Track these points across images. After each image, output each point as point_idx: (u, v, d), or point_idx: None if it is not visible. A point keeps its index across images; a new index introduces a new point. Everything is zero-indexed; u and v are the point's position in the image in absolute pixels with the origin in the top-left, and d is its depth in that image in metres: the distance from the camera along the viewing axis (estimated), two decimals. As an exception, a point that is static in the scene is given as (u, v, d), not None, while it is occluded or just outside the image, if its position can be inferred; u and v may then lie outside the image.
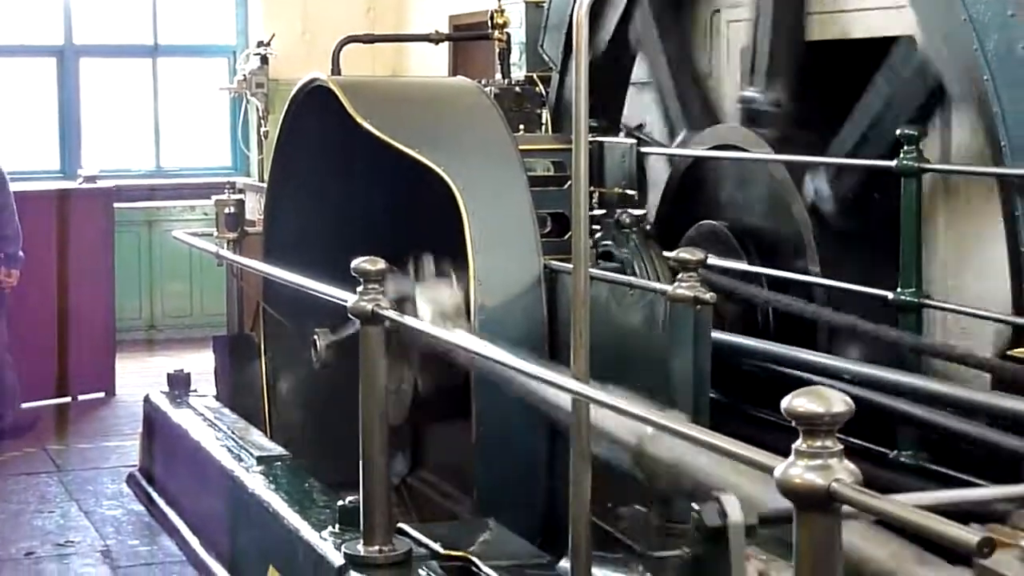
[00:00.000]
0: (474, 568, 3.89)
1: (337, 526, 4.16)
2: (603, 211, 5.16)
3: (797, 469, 1.70)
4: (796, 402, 1.71)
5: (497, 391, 4.20)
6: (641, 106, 6.08)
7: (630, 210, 4.98)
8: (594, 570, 2.95)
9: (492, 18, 6.39)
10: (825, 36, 5.24)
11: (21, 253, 7.33)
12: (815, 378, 3.84)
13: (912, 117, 4.42)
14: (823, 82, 5.17)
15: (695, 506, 2.50)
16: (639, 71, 6.03)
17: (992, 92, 3.92)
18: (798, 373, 4.18)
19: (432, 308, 4.48)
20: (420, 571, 3.80)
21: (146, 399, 6.37)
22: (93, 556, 5.99)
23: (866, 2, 4.96)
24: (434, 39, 7.75)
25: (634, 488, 3.77)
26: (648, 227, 4.98)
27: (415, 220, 5.21)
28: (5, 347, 7.37)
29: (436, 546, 3.97)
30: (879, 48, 4.77)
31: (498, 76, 6.30)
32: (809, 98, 5.15)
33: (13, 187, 7.54)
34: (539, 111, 5.91)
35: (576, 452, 2.83)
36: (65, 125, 10.40)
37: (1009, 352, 3.85)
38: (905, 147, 4.14)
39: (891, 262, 4.31)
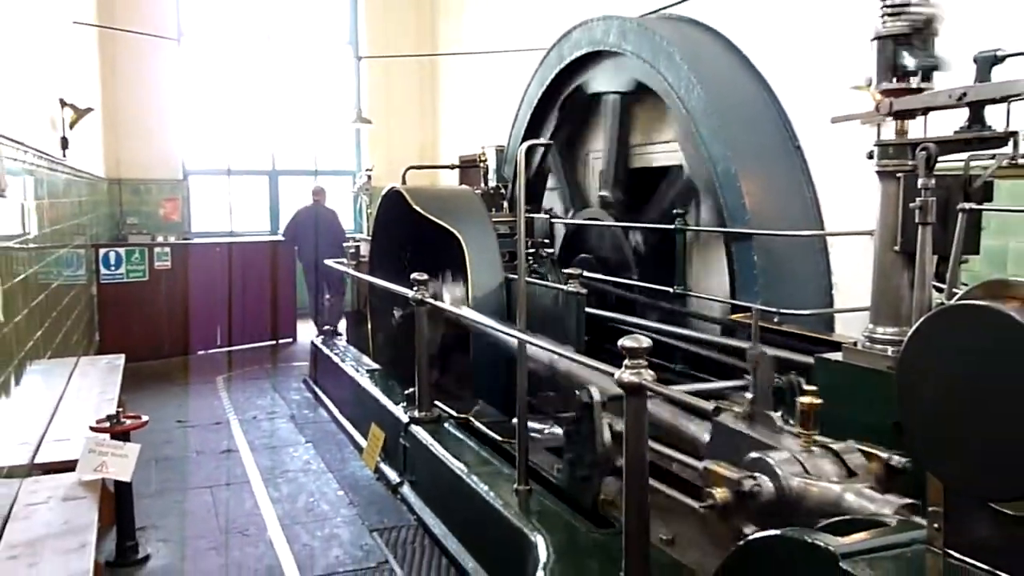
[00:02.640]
0: (472, 423, 5.64)
1: (404, 403, 5.97)
2: (533, 250, 6.84)
3: (625, 374, 2.89)
4: (624, 341, 2.92)
5: (482, 338, 5.91)
6: (551, 199, 7.87)
7: (546, 250, 6.89)
8: (529, 423, 4.40)
9: (479, 156, 8.64)
10: (638, 165, 6.98)
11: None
12: (633, 329, 4.73)
13: (682, 204, 6.27)
14: (638, 187, 6.88)
15: (577, 392, 4.18)
16: (550, 183, 7.94)
17: (720, 192, 5.69)
18: (625, 327, 5.44)
19: (450, 297, 6.17)
20: (445, 425, 5.56)
21: (313, 342, 9.31)
22: (286, 417, 7.84)
23: (658, 147, 6.74)
24: (451, 167, 11.68)
25: (548, 385, 5.33)
26: (554, 258, 6.86)
27: (440, 256, 6.49)
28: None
29: (452, 412, 5.78)
30: (665, 170, 6.62)
31: (482, 185, 8.35)
32: (631, 195, 6.86)
33: (250, 240, 12.63)
34: (502, 202, 7.79)
35: (519, 368, 4.25)
36: (273, 210, 14.89)
37: (729, 316, 5.53)
38: (676, 219, 6.04)
39: (671, 273, 6.12)
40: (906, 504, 2.64)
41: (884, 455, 2.93)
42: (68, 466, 4.73)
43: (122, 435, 4.70)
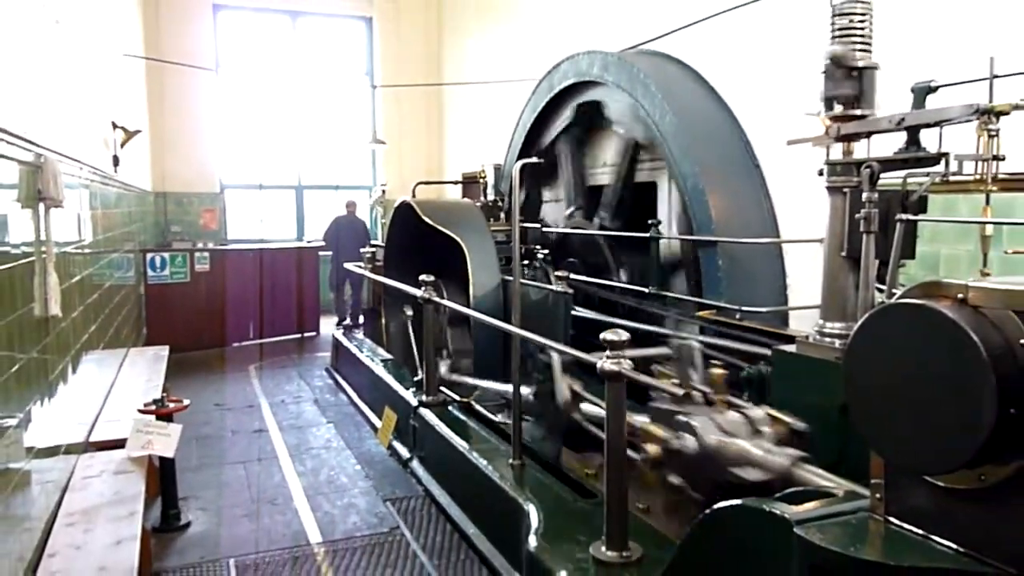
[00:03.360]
0: (473, 406, 5.65)
1: (413, 388, 5.97)
2: (526, 256, 6.67)
3: (606, 363, 2.99)
4: (605, 335, 3.05)
5: (482, 328, 5.87)
6: (545, 212, 7.85)
7: (539, 254, 6.73)
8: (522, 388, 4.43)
9: (479, 173, 8.59)
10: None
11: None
12: (613, 323, 5.17)
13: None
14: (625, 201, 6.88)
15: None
16: (546, 196, 7.87)
17: (690, 204, 5.66)
18: (606, 322, 5.50)
19: (449, 297, 6.21)
20: (450, 407, 5.55)
21: (334, 335, 9.29)
22: (310, 401, 7.81)
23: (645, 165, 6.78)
24: (455, 182, 11.51)
25: (537, 363, 5.05)
26: (547, 261, 6.68)
27: (445, 260, 6.48)
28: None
29: (456, 396, 5.77)
30: (647, 186, 6.51)
31: (482, 198, 8.32)
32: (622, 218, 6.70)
33: (278, 247, 12.31)
34: (500, 213, 7.78)
35: (512, 357, 4.36)
36: (299, 220, 14.76)
37: (697, 313, 5.31)
38: (651, 228, 5.89)
39: (648, 275, 5.98)
40: (799, 456, 2.91)
41: (788, 420, 3.12)
42: (119, 444, 4.75)
43: (166, 417, 4.71)
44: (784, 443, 3.05)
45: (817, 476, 2.81)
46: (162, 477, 4.77)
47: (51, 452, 4.07)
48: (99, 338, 6.07)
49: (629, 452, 3.33)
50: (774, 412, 3.19)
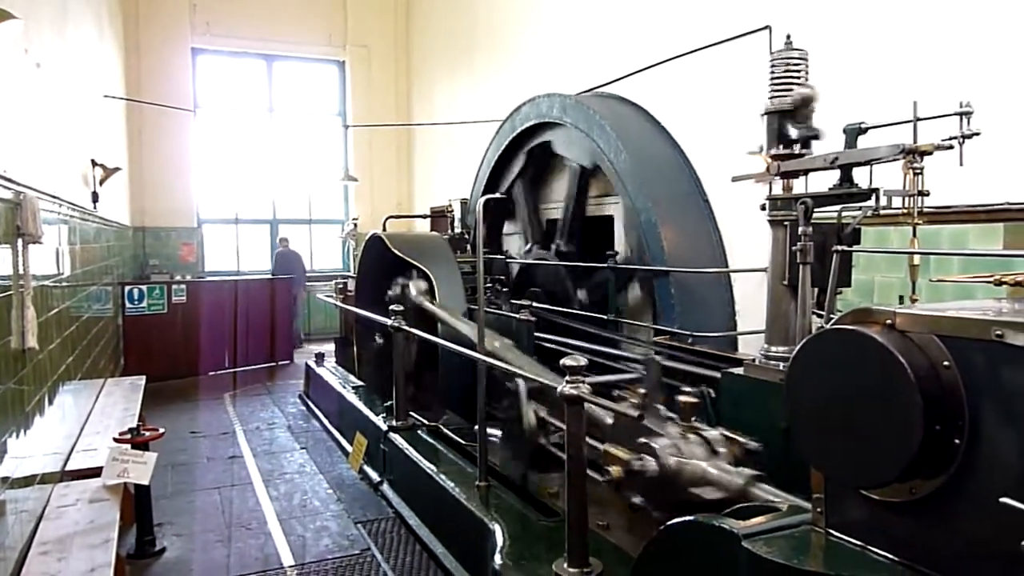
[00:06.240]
0: (441, 430, 5.57)
1: (384, 414, 5.91)
2: (491, 285, 6.74)
3: (566, 388, 3.02)
4: (565, 360, 3.08)
5: (449, 355, 5.61)
6: (509, 244, 7.91)
7: (500, 284, 6.78)
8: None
9: (447, 208, 8.70)
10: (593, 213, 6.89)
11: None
12: (573, 351, 5.04)
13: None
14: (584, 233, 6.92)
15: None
16: (507, 228, 7.91)
17: (643, 235, 5.76)
18: (566, 349, 5.42)
19: (417, 326, 6.09)
20: (418, 432, 5.48)
21: (306, 363, 8.96)
22: (284, 427, 7.66)
23: (597, 200, 6.91)
24: (424, 216, 11.54)
25: (502, 388, 4.93)
26: (509, 291, 6.74)
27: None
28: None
29: (424, 421, 5.70)
30: (603, 219, 6.62)
31: (450, 231, 8.35)
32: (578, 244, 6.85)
33: (253, 278, 12.25)
34: (466, 245, 7.80)
35: (478, 384, 4.33)
36: (273, 253, 13.82)
37: (653, 338, 5.28)
38: (608, 259, 5.99)
39: (605, 302, 6.11)
40: (754, 475, 2.91)
41: (742, 440, 3.14)
42: (94, 473, 4.63)
43: (142, 445, 4.60)
44: (738, 462, 3.07)
45: (770, 494, 2.82)
46: (137, 504, 4.66)
47: (26, 482, 3.95)
48: (76, 369, 5.93)
49: (594, 473, 3.33)
50: (729, 433, 3.19)
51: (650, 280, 5.79)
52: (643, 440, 3.22)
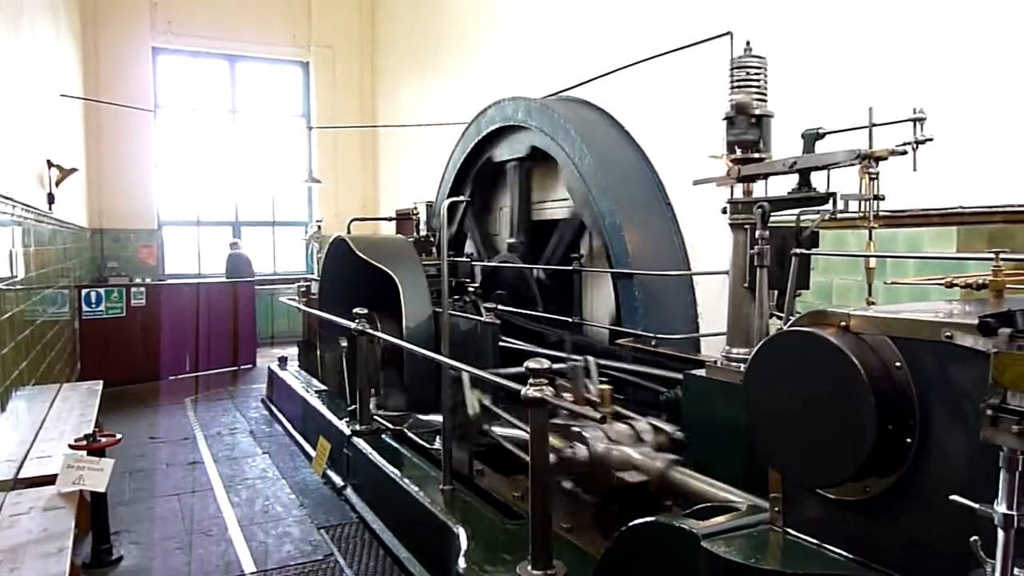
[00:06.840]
0: (405, 434, 5.44)
1: (347, 418, 5.85)
2: (456, 288, 6.70)
3: (530, 391, 2.98)
4: (529, 363, 3.02)
5: (415, 359, 5.74)
6: (472, 246, 7.88)
7: (468, 287, 6.76)
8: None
9: (412, 210, 8.52)
10: (538, 218, 7.08)
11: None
12: (537, 354, 4.74)
13: (575, 242, 6.41)
14: (539, 235, 6.93)
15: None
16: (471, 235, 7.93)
17: (607, 233, 5.78)
18: (530, 351, 5.49)
19: (383, 329, 6.02)
20: (382, 436, 5.42)
21: (269, 367, 8.89)
22: (246, 432, 7.54)
23: (555, 203, 6.89)
24: (389, 219, 11.29)
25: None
26: (475, 293, 6.71)
27: (379, 294, 6.26)
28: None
29: (389, 424, 5.60)
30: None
31: (415, 234, 8.11)
32: (533, 241, 6.96)
33: (215, 281, 12.18)
34: (432, 248, 7.52)
35: (443, 386, 4.30)
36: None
37: (616, 341, 5.38)
38: (574, 260, 6.11)
39: (571, 304, 6.16)
40: (672, 459, 3.22)
41: (669, 429, 3.47)
42: (49, 480, 4.49)
43: (98, 451, 4.49)
44: (664, 449, 3.36)
45: (689, 476, 3.08)
46: (93, 512, 4.55)
47: (-23, 490, 3.83)
48: (30, 374, 5.78)
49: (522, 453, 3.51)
50: (656, 423, 3.50)
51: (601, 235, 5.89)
52: (575, 429, 3.42)
